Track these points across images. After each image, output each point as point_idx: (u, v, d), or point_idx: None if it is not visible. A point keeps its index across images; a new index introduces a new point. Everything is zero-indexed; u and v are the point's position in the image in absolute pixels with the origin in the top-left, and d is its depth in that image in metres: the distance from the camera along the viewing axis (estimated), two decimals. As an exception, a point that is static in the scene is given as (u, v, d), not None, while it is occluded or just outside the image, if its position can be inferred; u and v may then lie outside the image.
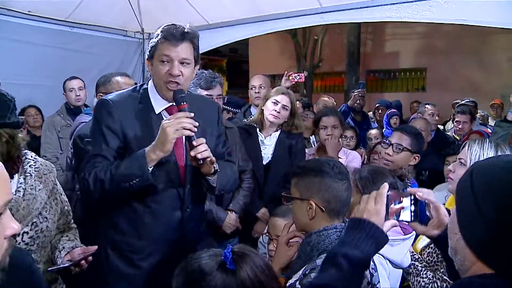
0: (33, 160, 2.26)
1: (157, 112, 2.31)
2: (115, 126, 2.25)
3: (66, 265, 2.09)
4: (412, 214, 1.66)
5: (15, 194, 2.09)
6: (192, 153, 2.12)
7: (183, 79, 2.23)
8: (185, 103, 2.18)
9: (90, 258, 2.16)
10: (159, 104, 2.32)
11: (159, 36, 2.22)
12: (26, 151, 2.25)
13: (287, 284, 1.78)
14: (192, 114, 2.14)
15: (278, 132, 3.61)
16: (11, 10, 4.57)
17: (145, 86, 2.38)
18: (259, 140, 3.60)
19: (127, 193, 2.22)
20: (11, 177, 2.13)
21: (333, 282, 1.36)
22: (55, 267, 2.11)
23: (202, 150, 2.12)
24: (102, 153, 2.25)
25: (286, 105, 3.52)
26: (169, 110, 2.33)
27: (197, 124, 2.14)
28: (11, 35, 4.65)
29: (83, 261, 2.13)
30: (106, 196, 2.24)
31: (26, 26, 4.76)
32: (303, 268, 1.74)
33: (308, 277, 1.65)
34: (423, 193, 1.69)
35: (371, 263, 1.73)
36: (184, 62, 2.23)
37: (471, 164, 2.27)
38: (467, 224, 1.16)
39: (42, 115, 5.16)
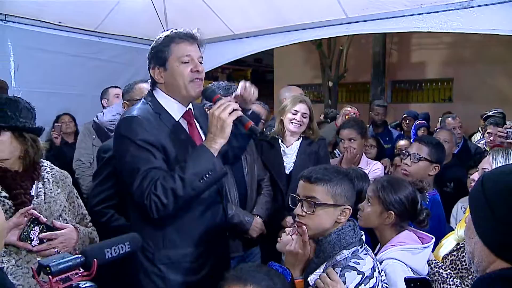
0: (49, 167, 2.36)
1: (177, 120, 2.28)
2: (153, 139, 2.13)
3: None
4: None
5: (36, 199, 2.17)
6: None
7: (203, 75, 2.25)
8: (217, 94, 2.21)
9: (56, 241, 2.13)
10: (176, 112, 2.28)
11: (172, 39, 2.21)
12: (41, 159, 2.33)
13: (310, 283, 1.84)
14: (230, 98, 2.21)
15: (300, 141, 3.63)
16: (43, 21, 4.74)
17: (149, 98, 2.31)
18: (282, 150, 3.62)
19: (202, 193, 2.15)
20: (33, 183, 2.22)
21: None
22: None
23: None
24: (154, 166, 2.10)
25: (305, 113, 3.57)
26: (185, 117, 2.32)
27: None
28: (42, 45, 4.79)
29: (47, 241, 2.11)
30: (179, 205, 2.10)
31: (57, 36, 4.91)
32: (323, 265, 1.84)
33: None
34: None
35: (376, 270, 1.85)
36: (200, 60, 2.25)
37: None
38: (483, 227, 1.27)
39: (76, 123, 5.28)
